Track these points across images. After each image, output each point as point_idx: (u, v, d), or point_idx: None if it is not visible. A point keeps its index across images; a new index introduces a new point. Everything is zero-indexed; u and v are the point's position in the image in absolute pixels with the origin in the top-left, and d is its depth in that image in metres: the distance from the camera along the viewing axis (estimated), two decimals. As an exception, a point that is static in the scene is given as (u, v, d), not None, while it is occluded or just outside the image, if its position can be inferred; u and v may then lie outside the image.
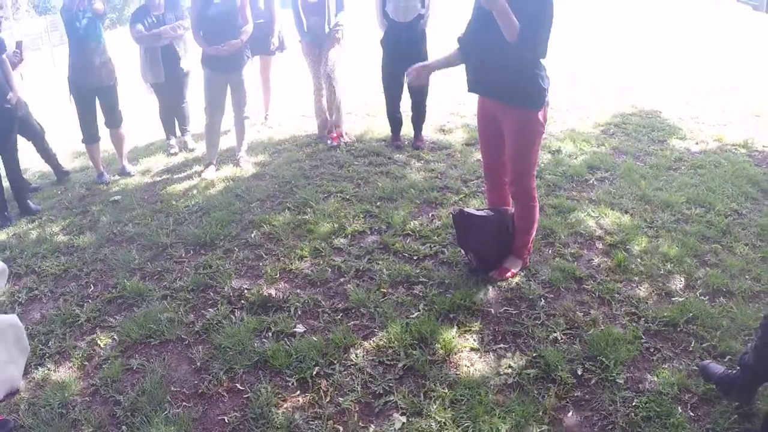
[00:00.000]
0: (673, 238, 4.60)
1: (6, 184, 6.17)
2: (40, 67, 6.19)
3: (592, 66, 10.99)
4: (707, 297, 3.89)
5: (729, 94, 8.69)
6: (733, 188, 5.46)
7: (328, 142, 7.03)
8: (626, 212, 5.04)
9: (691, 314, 3.66)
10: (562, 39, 12.52)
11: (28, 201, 6.21)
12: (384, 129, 7.29)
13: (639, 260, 4.31)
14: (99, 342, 3.82)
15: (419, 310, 3.82)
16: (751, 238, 4.62)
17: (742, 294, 3.90)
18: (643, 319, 3.68)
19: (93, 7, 6.32)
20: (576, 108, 8.26)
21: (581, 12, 17.80)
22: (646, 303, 3.83)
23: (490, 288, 4.03)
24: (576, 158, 6.29)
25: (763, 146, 6.54)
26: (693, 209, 5.07)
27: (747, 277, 4.10)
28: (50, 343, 3.85)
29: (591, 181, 5.73)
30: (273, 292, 4.13)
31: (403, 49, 6.43)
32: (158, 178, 6.60)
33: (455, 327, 3.65)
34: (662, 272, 4.17)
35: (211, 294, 4.20)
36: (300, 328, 3.74)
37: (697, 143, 6.74)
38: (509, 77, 3.70)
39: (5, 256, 5.12)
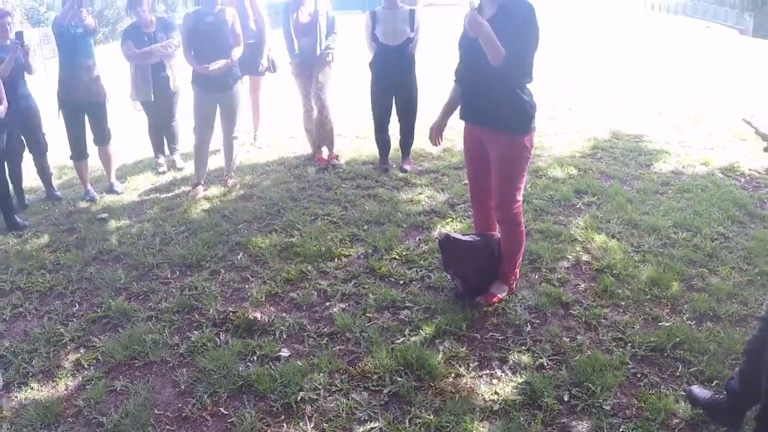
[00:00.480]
0: (659, 262, 4.64)
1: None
2: (33, 79, 6.20)
3: (588, 71, 11.09)
4: (694, 321, 3.92)
5: (716, 116, 8.82)
6: (719, 212, 5.53)
7: (316, 164, 7.04)
8: (613, 237, 5.07)
9: (678, 339, 3.68)
10: (560, 45, 12.81)
11: (15, 216, 6.16)
12: (372, 152, 7.32)
13: (626, 285, 4.34)
14: (83, 362, 3.79)
15: (405, 336, 3.81)
16: (738, 261, 4.67)
17: (728, 318, 3.93)
18: (629, 344, 3.69)
19: (84, 23, 6.34)
20: (563, 132, 8.35)
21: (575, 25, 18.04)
22: (633, 328, 3.85)
23: (477, 313, 4.03)
24: (563, 183, 6.33)
25: (750, 170, 6.63)
26: (680, 233, 5.12)
27: (734, 300, 4.14)
28: (34, 361, 3.82)
29: (578, 206, 5.77)
30: (258, 315, 4.11)
31: (391, 72, 6.52)
32: (146, 197, 6.58)
33: (441, 353, 3.65)
34: (649, 297, 4.19)
35: (197, 316, 4.18)
36: (285, 353, 3.72)
37: (683, 167, 6.82)
38: (495, 103, 3.75)
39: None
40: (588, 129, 8.48)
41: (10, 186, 6.21)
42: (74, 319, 4.28)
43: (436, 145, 4.43)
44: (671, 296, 4.20)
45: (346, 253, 4.91)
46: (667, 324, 3.87)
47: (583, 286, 4.36)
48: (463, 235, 4.30)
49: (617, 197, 5.86)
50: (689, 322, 3.91)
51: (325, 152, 7.21)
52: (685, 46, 16.85)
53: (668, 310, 4.06)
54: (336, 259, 4.83)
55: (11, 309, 4.47)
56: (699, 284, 4.35)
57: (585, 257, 4.76)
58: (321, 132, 7.13)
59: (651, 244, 4.95)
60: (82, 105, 6.52)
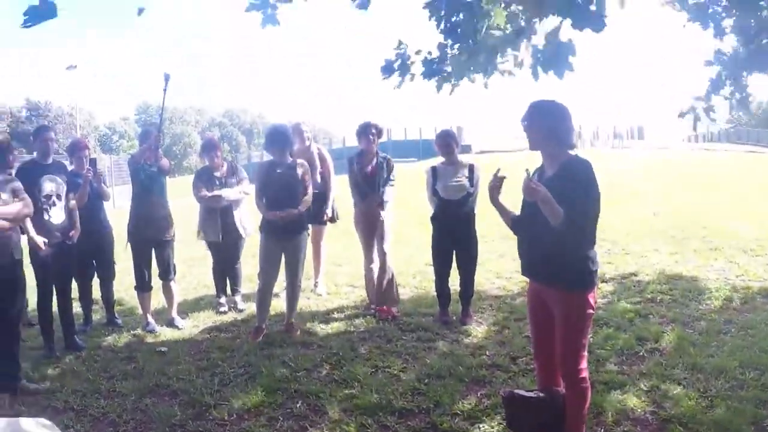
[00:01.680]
0: (728, 406, 4.45)
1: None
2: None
3: (638, 209, 11.14)
4: (770, 466, 3.67)
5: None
6: (785, 346, 5.38)
7: (377, 314, 7.02)
8: (679, 383, 4.90)
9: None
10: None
11: (75, 337, 6.29)
12: (432, 302, 7.27)
13: (695, 433, 4.12)
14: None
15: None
16: (811, 397, 4.45)
17: (806, 458, 3.68)
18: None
19: (159, 163, 6.65)
20: (621, 276, 8.36)
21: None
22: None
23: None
24: (624, 330, 6.19)
25: (811, 295, 6.50)
26: (747, 373, 4.97)
27: (811, 439, 3.89)
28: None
29: (641, 353, 5.62)
30: (318, 467, 3.97)
31: (452, 226, 6.68)
32: (206, 335, 6.59)
33: None
34: (720, 445, 3.96)
35: (254, 463, 4.04)
36: None
37: (745, 302, 6.75)
38: (557, 262, 3.76)
39: (45, 387, 5.24)
40: (646, 271, 8.53)
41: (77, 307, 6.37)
42: (126, 450, 4.19)
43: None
44: (744, 441, 3.97)
45: (408, 407, 4.74)
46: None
47: (650, 437, 4.14)
48: (527, 391, 4.19)
49: (680, 341, 5.76)
50: (764, 467, 3.67)
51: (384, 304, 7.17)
52: (733, 175, 17.02)
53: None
54: (397, 413, 4.66)
55: (63, 429, 4.36)
56: (772, 426, 4.14)
57: (651, 407, 4.58)
58: (382, 285, 7.15)
59: (718, 387, 4.77)
60: (151, 240, 6.75)
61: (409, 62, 6.77)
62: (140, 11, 3.71)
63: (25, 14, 3.56)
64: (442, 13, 6.12)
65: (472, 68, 6.40)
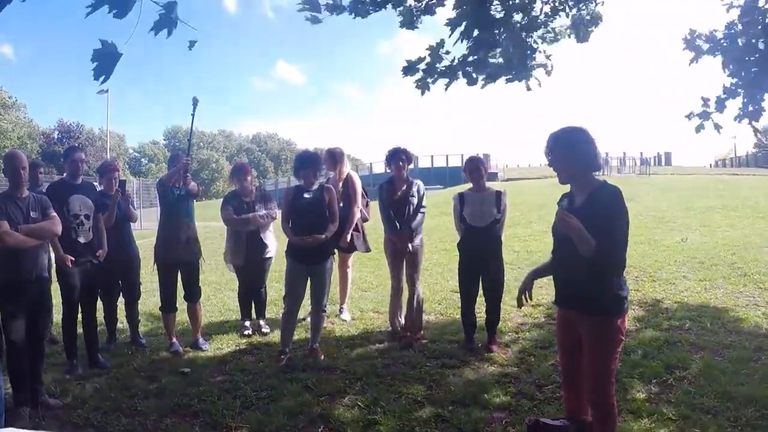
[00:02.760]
0: None
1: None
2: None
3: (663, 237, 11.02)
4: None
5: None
6: (819, 371, 5.21)
7: (401, 340, 6.94)
8: (708, 412, 4.77)
9: None
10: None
11: (99, 355, 6.32)
12: (457, 330, 7.18)
13: (726, 465, 3.97)
14: None
15: None
16: None
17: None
18: None
19: (187, 186, 6.69)
20: (649, 304, 8.21)
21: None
22: None
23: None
24: (653, 358, 6.06)
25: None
26: None
27: None
28: None
29: (669, 382, 5.48)
30: (339, 492, 3.90)
31: (479, 253, 6.64)
32: (230, 358, 6.56)
33: None
34: (752, 477, 3.82)
35: (274, 486, 3.99)
36: None
37: None
38: (588, 287, 3.74)
39: (66, 402, 5.27)
40: (674, 298, 8.41)
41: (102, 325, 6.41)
42: (145, 470, 4.17)
43: (520, 306, 4.33)
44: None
45: (431, 435, 4.66)
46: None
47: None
48: (553, 419, 4.13)
49: (710, 369, 5.62)
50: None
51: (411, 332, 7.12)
52: (762, 199, 16.85)
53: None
54: (420, 441, 4.57)
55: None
56: (804, 456, 3.97)
57: (680, 438, 4.44)
58: (410, 312, 7.10)
59: (749, 416, 4.64)
60: (177, 262, 6.79)
61: (442, 66, 6.73)
62: (191, 44, 3.65)
63: (93, 60, 3.36)
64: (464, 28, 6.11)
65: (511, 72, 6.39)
